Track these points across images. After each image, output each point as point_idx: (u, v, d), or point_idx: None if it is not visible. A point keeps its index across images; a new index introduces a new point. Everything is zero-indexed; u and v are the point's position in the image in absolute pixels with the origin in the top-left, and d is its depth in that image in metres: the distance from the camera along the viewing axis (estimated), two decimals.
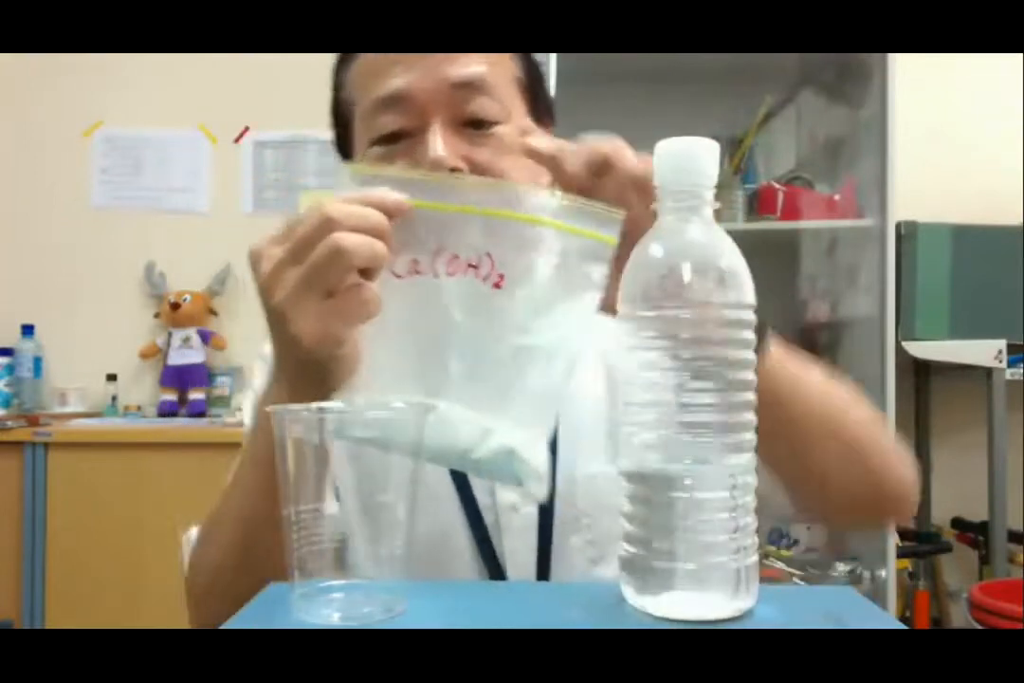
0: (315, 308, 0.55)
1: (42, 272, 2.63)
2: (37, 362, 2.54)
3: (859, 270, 2.12)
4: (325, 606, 0.50)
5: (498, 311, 0.58)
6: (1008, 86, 2.52)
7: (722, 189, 2.12)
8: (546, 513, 0.78)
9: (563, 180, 0.60)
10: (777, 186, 2.20)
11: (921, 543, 2.38)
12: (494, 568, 0.77)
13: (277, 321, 0.57)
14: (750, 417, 0.49)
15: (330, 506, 0.51)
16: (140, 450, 2.18)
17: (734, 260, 0.49)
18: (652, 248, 0.50)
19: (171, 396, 2.52)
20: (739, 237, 0.51)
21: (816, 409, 0.68)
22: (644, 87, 2.15)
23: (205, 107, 2.65)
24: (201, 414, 2.48)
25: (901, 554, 2.14)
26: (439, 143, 0.72)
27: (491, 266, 0.58)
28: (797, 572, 2.10)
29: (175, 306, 2.55)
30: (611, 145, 0.59)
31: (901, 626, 0.48)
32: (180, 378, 2.54)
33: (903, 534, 2.28)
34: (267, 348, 0.89)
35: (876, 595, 1.98)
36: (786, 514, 0.77)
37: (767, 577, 0.64)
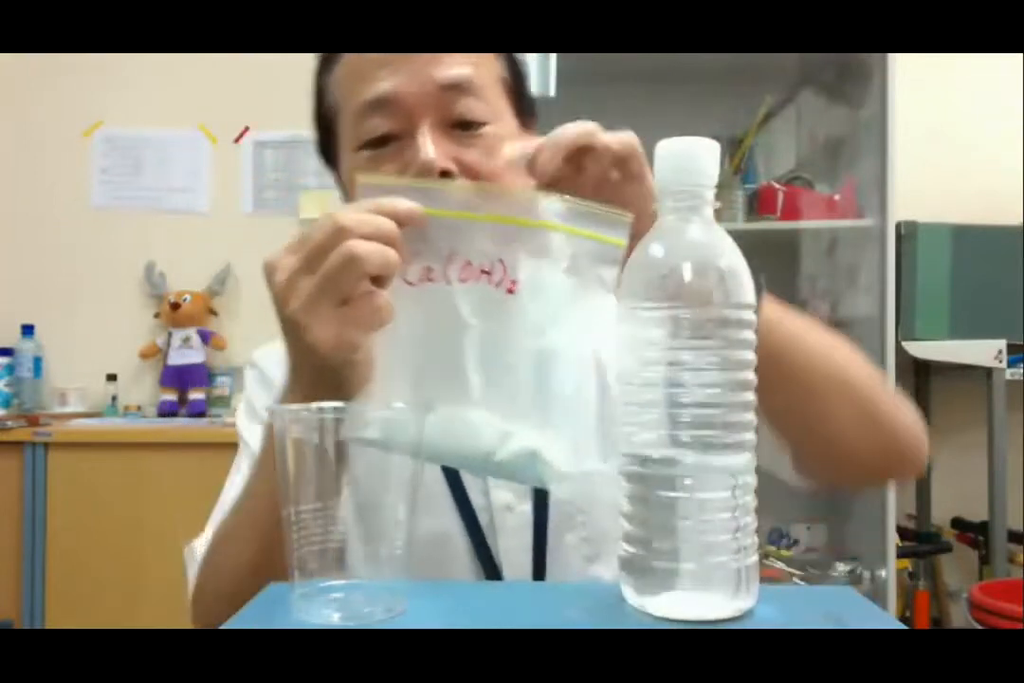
0: (330, 315, 0.55)
1: (42, 272, 2.63)
2: (37, 362, 2.54)
3: (859, 270, 2.12)
4: (325, 606, 0.50)
5: (513, 316, 0.58)
6: (1008, 86, 2.52)
7: (722, 189, 2.13)
8: (541, 512, 0.78)
9: (546, 180, 0.60)
10: (777, 186, 2.20)
11: (921, 543, 2.38)
12: (490, 568, 0.77)
13: (293, 329, 0.57)
14: (750, 417, 0.49)
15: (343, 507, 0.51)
16: (140, 450, 2.18)
17: (734, 260, 0.49)
18: (652, 248, 0.50)
19: (171, 396, 2.52)
20: (739, 237, 0.51)
21: (821, 363, 0.69)
22: (644, 87, 2.15)
23: (205, 107, 2.65)
24: (201, 414, 2.48)
25: (901, 554, 2.14)
26: (429, 145, 0.72)
27: (504, 272, 0.58)
28: (797, 572, 2.10)
29: (175, 306, 2.55)
30: (578, 130, 0.59)
31: (901, 626, 0.48)
32: (180, 378, 2.54)
33: (903, 534, 2.28)
34: (257, 355, 0.90)
35: (876, 595, 1.99)
36: (792, 483, 0.77)
37: (767, 577, 0.64)
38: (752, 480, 0.49)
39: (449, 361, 0.59)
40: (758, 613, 0.49)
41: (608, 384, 0.56)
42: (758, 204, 2.20)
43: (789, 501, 2.33)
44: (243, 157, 2.67)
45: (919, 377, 2.45)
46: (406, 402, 0.54)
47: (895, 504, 2.02)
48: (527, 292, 0.58)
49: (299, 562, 0.50)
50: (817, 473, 0.76)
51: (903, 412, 0.74)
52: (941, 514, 2.46)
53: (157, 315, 2.61)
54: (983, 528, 2.30)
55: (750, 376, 0.49)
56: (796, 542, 2.34)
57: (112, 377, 2.55)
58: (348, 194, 0.83)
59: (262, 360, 0.89)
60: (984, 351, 2.14)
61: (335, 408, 0.51)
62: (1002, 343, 2.13)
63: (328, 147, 0.83)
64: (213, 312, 2.61)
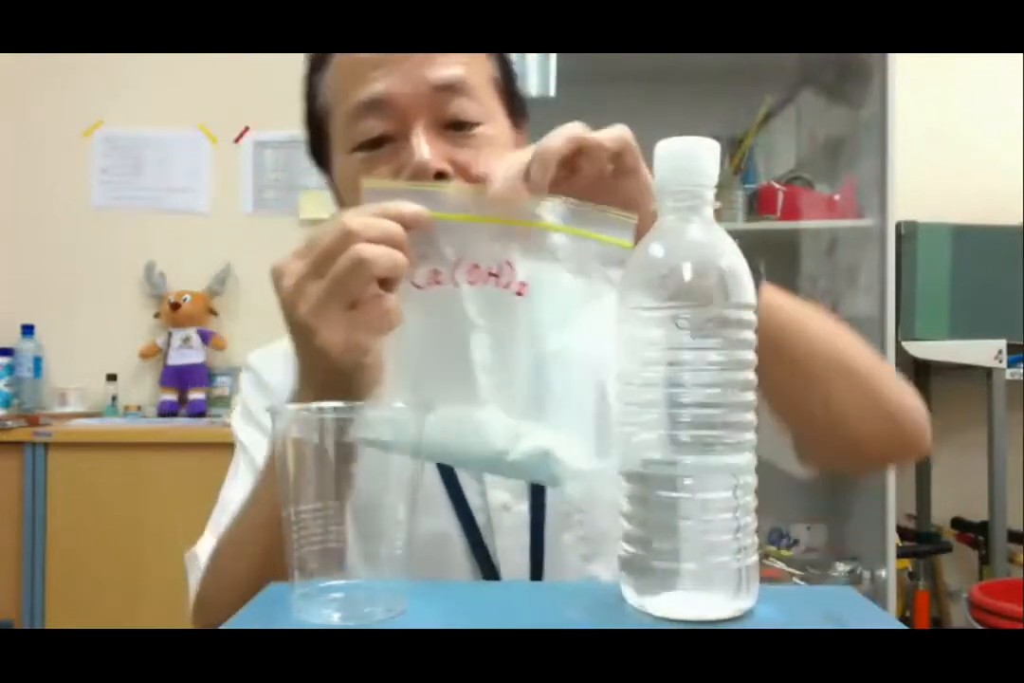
0: (339, 319, 0.56)
1: (42, 272, 2.63)
2: (37, 362, 2.54)
3: (859, 270, 2.12)
4: (325, 606, 0.50)
5: (522, 318, 0.59)
6: (1008, 86, 2.52)
7: (722, 189, 2.13)
8: (538, 511, 0.78)
9: (544, 192, 0.59)
10: (777, 186, 2.20)
11: (921, 543, 2.38)
12: (487, 568, 0.77)
13: (302, 334, 0.57)
14: (750, 417, 0.49)
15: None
16: (140, 450, 2.18)
17: (734, 260, 0.49)
18: (652, 248, 0.50)
19: (171, 396, 2.52)
20: (739, 237, 0.51)
21: (823, 347, 0.69)
22: (644, 87, 2.15)
23: (205, 107, 2.65)
24: (201, 414, 2.48)
25: (901, 554, 2.14)
26: (424, 146, 0.72)
27: (512, 274, 0.59)
28: (797, 572, 2.10)
29: (175, 306, 2.55)
30: (565, 137, 0.58)
31: (901, 626, 0.48)
32: (180, 378, 2.54)
33: (903, 534, 2.28)
34: (252, 358, 0.90)
35: (876, 595, 1.99)
36: (794, 472, 0.77)
37: (767, 577, 0.64)
38: (752, 480, 0.49)
39: (458, 363, 0.60)
40: (758, 613, 0.49)
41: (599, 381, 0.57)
42: (758, 204, 2.20)
43: (789, 501, 2.33)
44: (243, 157, 2.67)
45: (919, 377, 2.44)
46: (414, 403, 0.54)
47: (895, 504, 2.02)
48: (536, 294, 0.59)
49: (299, 562, 0.50)
50: (820, 459, 0.76)
51: (905, 395, 0.74)
52: (941, 514, 2.46)
53: (157, 315, 2.61)
54: (983, 528, 2.30)
55: (750, 376, 0.49)
56: (796, 542, 2.34)
57: (112, 377, 2.55)
58: (339, 196, 0.83)
59: (257, 363, 0.89)
60: (984, 351, 2.14)
61: (335, 408, 0.51)
62: (1002, 343, 2.13)
63: (319, 148, 0.83)
64: (213, 312, 2.61)
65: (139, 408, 2.54)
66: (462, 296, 0.59)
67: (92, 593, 2.12)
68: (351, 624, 0.49)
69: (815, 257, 2.32)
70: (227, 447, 0.88)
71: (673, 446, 0.48)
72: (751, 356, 0.49)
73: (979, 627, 1.92)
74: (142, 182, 2.68)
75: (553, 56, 2.15)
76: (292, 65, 0.86)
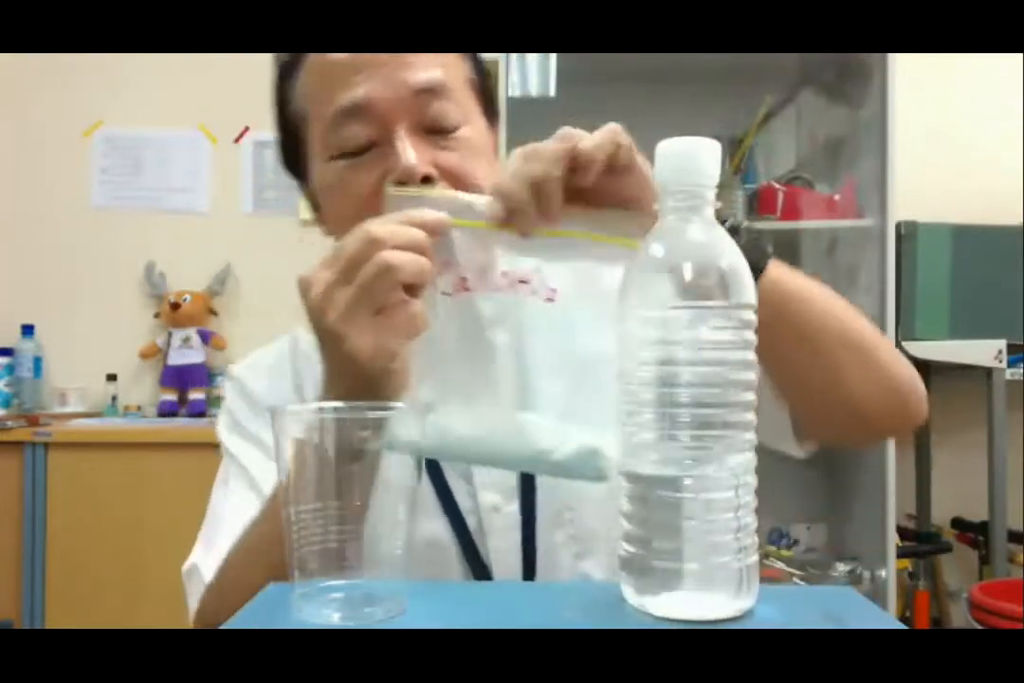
0: (367, 324, 0.57)
1: (42, 272, 2.63)
2: (37, 362, 2.54)
3: (859, 270, 2.12)
4: (325, 606, 0.50)
5: (555, 324, 0.61)
6: (1008, 86, 2.52)
7: (722, 189, 2.12)
8: (529, 511, 0.78)
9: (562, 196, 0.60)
10: (777, 186, 2.20)
11: (921, 543, 2.38)
12: (479, 569, 0.77)
13: (331, 340, 0.58)
14: (750, 417, 0.49)
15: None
16: (140, 450, 2.18)
17: (735, 260, 0.49)
18: (653, 248, 0.50)
19: (171, 396, 2.53)
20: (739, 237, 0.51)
21: (830, 319, 0.71)
22: (644, 87, 2.15)
23: (205, 107, 2.65)
24: (201, 414, 2.48)
25: (901, 554, 2.14)
26: (409, 150, 0.72)
27: (541, 281, 0.61)
28: (797, 572, 2.10)
29: (175, 306, 2.55)
30: (557, 156, 0.58)
31: (901, 626, 0.48)
32: (180, 378, 2.54)
33: (903, 534, 2.28)
34: (236, 369, 0.90)
35: (876, 595, 1.99)
36: (793, 453, 0.79)
37: (767, 577, 0.64)
38: (752, 480, 0.49)
39: (488, 368, 0.62)
40: (758, 613, 0.49)
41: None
42: (758, 204, 2.20)
43: (789, 501, 2.33)
44: (243, 157, 2.67)
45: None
46: (445, 408, 0.56)
47: (895, 504, 2.02)
48: (566, 300, 0.61)
49: (299, 562, 0.50)
50: (824, 432, 0.78)
51: (905, 367, 0.76)
52: (941, 514, 2.46)
53: (157, 315, 2.61)
54: (983, 528, 2.30)
55: (751, 376, 0.49)
56: (796, 542, 2.34)
57: (112, 377, 2.55)
58: (316, 203, 0.83)
59: (241, 373, 0.89)
60: (984, 351, 2.14)
61: (335, 408, 0.52)
62: (1002, 343, 2.13)
63: (294, 155, 0.82)
64: (213, 312, 2.62)
65: (139, 408, 2.54)
66: (492, 302, 0.61)
67: (92, 593, 2.12)
68: (351, 624, 0.49)
69: (815, 257, 2.32)
70: None
71: (673, 446, 0.48)
72: (751, 356, 0.49)
73: (979, 627, 1.92)
74: (142, 182, 2.68)
75: (553, 56, 2.16)
76: None
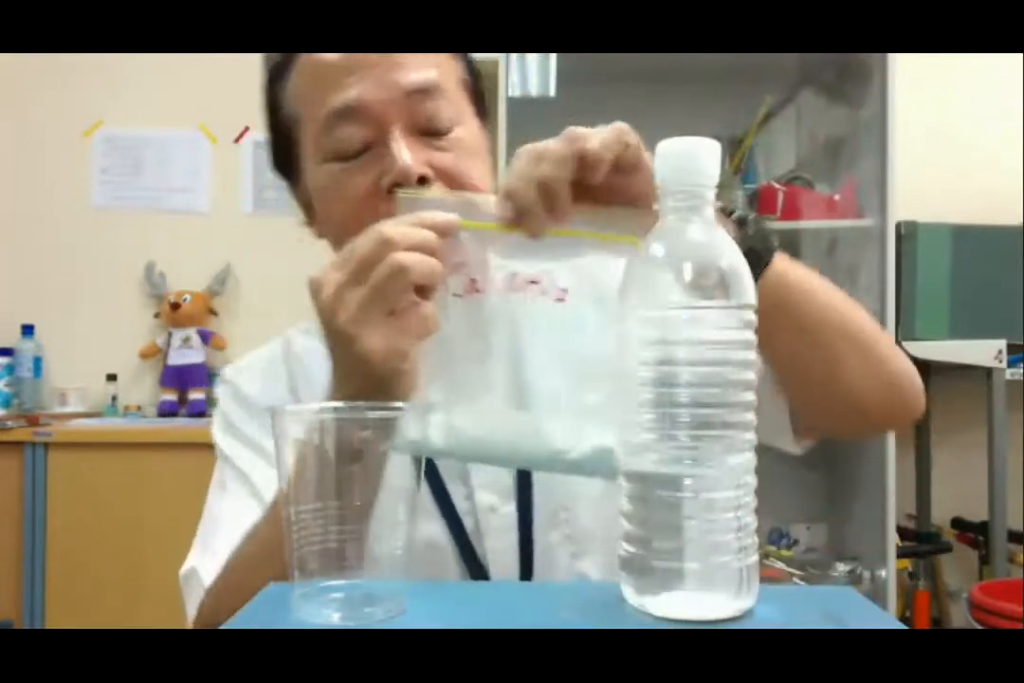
0: (379, 325, 0.57)
1: (42, 272, 2.63)
2: (37, 362, 2.54)
3: (859, 270, 2.12)
4: (325, 606, 0.50)
5: (566, 324, 0.62)
6: (1008, 86, 2.52)
7: (722, 189, 2.12)
8: (525, 512, 0.78)
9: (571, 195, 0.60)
10: (777, 186, 2.20)
11: (921, 543, 2.38)
12: (476, 569, 0.76)
13: (342, 341, 0.58)
14: (750, 417, 0.49)
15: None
16: (140, 450, 2.18)
17: (735, 260, 0.49)
18: (653, 248, 0.50)
19: (171, 396, 2.53)
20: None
21: (833, 312, 0.72)
22: (644, 87, 2.15)
23: (205, 107, 2.65)
24: (201, 414, 2.48)
25: (901, 554, 2.14)
26: (404, 151, 0.72)
27: (551, 282, 0.61)
28: (797, 572, 2.10)
29: (175, 306, 2.55)
30: (565, 156, 0.58)
31: (901, 626, 0.48)
32: (180, 378, 2.54)
33: (903, 534, 2.28)
34: (228, 373, 0.90)
35: (876, 595, 1.99)
36: (790, 449, 0.80)
37: (767, 577, 0.64)
38: (752, 480, 0.49)
39: (500, 369, 0.62)
40: (758, 613, 0.49)
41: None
42: (758, 204, 2.20)
43: (789, 501, 2.34)
44: (243, 157, 2.67)
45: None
46: (457, 409, 0.56)
47: (895, 504, 2.02)
48: (577, 300, 0.61)
49: (299, 562, 0.50)
50: (821, 423, 0.78)
51: (903, 360, 0.76)
52: (941, 514, 2.46)
53: (157, 315, 2.61)
54: (983, 528, 2.30)
55: (750, 376, 0.49)
56: (796, 542, 2.34)
57: (112, 377, 2.55)
58: (307, 205, 0.82)
59: (234, 376, 0.89)
60: (984, 351, 2.14)
61: (335, 408, 0.52)
62: (1002, 343, 2.13)
63: (286, 160, 0.82)
64: (213, 312, 2.62)
65: (139, 408, 2.54)
66: (503, 303, 0.61)
67: (92, 593, 2.12)
68: (351, 624, 0.49)
69: (815, 257, 2.32)
70: None
71: (673, 446, 0.48)
72: (751, 356, 0.49)
73: (979, 627, 1.92)
74: (142, 182, 2.68)
75: (553, 56, 2.15)
76: None
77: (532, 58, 2.16)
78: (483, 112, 0.82)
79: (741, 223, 0.66)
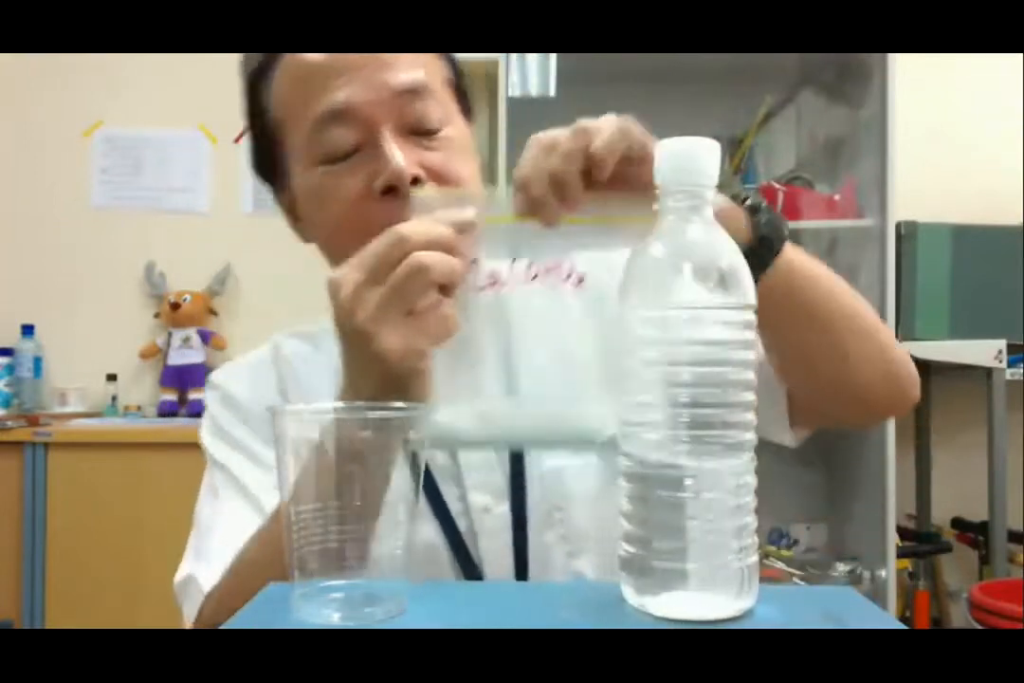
0: (398, 325, 0.56)
1: (42, 272, 2.63)
2: (37, 362, 2.54)
3: (859, 270, 2.12)
4: (325, 606, 0.50)
5: (588, 309, 0.64)
6: (1008, 86, 2.52)
7: (722, 189, 2.12)
8: (519, 512, 0.78)
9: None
10: (777, 186, 2.20)
11: (921, 543, 2.38)
12: (471, 570, 0.76)
13: (360, 340, 0.57)
14: (750, 417, 0.49)
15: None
16: (140, 450, 2.18)
17: (735, 260, 0.49)
18: (653, 247, 0.50)
19: (171, 396, 2.53)
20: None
21: (836, 299, 0.73)
22: (644, 87, 2.15)
23: (205, 107, 2.64)
24: (201, 414, 2.47)
25: (901, 554, 2.14)
26: (396, 152, 0.72)
27: (569, 268, 0.62)
28: (797, 572, 2.10)
29: (175, 306, 2.55)
30: (573, 151, 0.58)
31: (901, 626, 0.48)
32: (180, 378, 2.54)
33: (903, 534, 2.28)
34: (216, 377, 0.90)
35: (876, 595, 1.99)
36: (785, 442, 0.81)
37: (767, 577, 0.64)
38: (752, 480, 0.49)
39: (526, 357, 0.64)
40: (758, 613, 0.49)
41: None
42: None
43: (789, 501, 2.33)
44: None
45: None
46: (485, 398, 0.57)
47: (895, 504, 2.02)
48: (595, 285, 0.63)
49: (299, 562, 0.50)
50: (822, 410, 0.79)
51: (900, 349, 0.78)
52: (941, 514, 2.46)
53: (157, 315, 2.61)
54: (983, 528, 2.30)
55: (750, 376, 0.49)
56: (796, 542, 2.34)
57: (112, 377, 2.55)
58: (293, 210, 0.82)
59: (222, 380, 0.88)
60: (984, 351, 2.14)
61: (335, 408, 0.52)
62: (1002, 343, 2.13)
63: (272, 164, 0.81)
64: (213, 312, 2.62)
65: (139, 408, 2.54)
66: (524, 294, 0.63)
67: (92, 593, 2.12)
68: (351, 624, 0.49)
69: (815, 257, 2.32)
70: None
71: (673, 446, 0.48)
72: (751, 356, 0.49)
73: (979, 627, 1.92)
74: (142, 182, 2.68)
75: (553, 56, 2.15)
76: None
77: (532, 58, 2.16)
78: (468, 110, 0.82)
79: (754, 210, 0.66)
